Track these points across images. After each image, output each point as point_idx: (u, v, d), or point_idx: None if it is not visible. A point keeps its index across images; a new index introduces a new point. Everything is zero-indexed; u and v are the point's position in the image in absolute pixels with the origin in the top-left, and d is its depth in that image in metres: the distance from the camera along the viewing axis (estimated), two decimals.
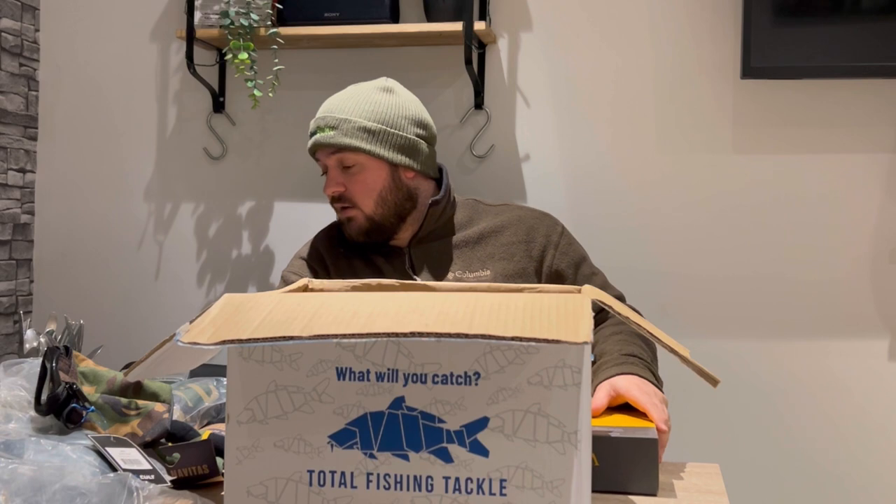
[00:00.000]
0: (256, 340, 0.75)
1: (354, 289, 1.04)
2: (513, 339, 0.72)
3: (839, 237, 1.99)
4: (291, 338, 0.74)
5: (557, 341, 0.72)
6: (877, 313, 1.97)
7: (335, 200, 1.64)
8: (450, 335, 0.72)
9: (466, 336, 0.72)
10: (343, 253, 1.67)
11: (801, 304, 2.00)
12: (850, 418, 1.98)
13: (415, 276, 1.61)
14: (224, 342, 0.76)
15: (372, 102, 1.61)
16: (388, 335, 0.73)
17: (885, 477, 1.96)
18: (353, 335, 0.74)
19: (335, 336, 0.74)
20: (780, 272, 2.01)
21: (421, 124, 1.65)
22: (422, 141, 1.64)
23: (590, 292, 0.91)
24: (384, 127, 1.60)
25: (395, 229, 1.64)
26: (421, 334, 0.73)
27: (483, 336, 0.72)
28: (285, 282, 1.66)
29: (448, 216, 1.67)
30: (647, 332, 0.93)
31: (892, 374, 1.96)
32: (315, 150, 1.64)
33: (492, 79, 2.16)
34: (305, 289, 1.07)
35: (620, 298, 1.65)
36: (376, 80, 1.69)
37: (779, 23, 1.91)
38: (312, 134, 1.64)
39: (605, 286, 1.64)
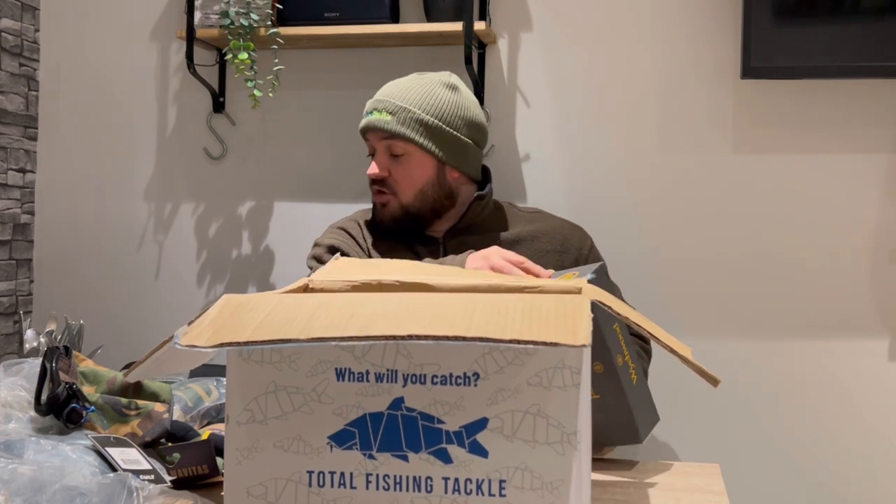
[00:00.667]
0: (254, 343, 0.75)
1: (355, 288, 1.04)
2: (511, 341, 0.72)
3: (839, 237, 1.99)
4: (289, 340, 0.74)
5: (556, 344, 0.71)
6: (877, 313, 1.97)
7: (374, 182, 1.64)
8: (447, 338, 0.72)
9: (464, 339, 0.72)
10: (380, 235, 1.67)
11: (800, 304, 2.00)
12: (850, 418, 1.98)
13: None
14: (222, 345, 0.76)
15: (434, 97, 1.61)
16: (386, 338, 0.73)
17: (885, 477, 1.96)
18: (350, 338, 0.74)
19: (333, 339, 0.74)
20: (780, 272, 2.01)
21: (476, 127, 1.66)
22: (473, 143, 1.65)
23: (590, 293, 0.91)
24: (440, 124, 1.60)
25: (428, 223, 1.65)
26: (419, 337, 0.73)
27: (481, 339, 0.72)
28: (319, 246, 1.65)
29: (489, 213, 1.68)
30: (648, 332, 0.93)
31: (892, 374, 1.96)
32: (366, 131, 1.64)
33: (492, 79, 2.16)
34: (306, 289, 1.07)
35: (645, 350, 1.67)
36: (440, 73, 1.69)
37: (779, 23, 1.91)
38: (368, 113, 1.63)
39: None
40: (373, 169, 1.62)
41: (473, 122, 1.65)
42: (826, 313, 1.99)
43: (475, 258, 1.38)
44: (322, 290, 1.07)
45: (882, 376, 1.96)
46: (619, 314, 0.90)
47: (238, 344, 0.75)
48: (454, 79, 1.68)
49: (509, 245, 1.64)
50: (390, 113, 1.59)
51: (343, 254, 1.62)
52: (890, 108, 1.96)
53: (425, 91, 1.62)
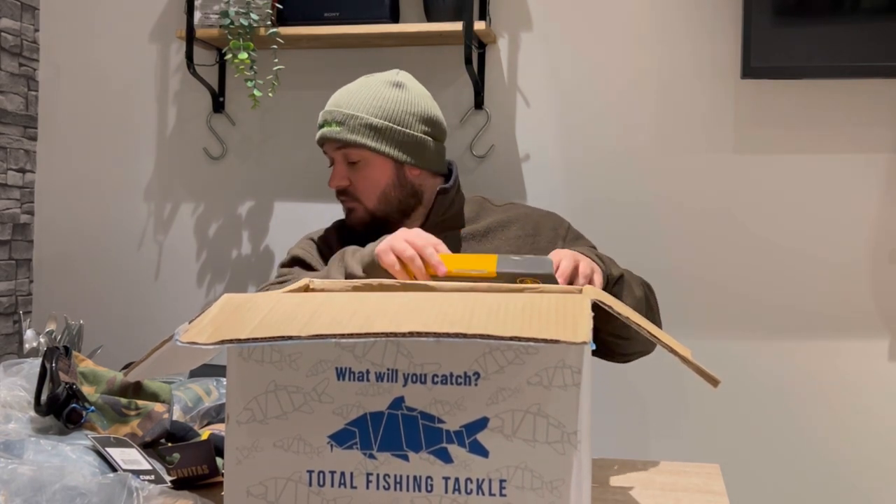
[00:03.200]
0: (255, 340, 0.75)
1: (355, 289, 1.04)
2: (511, 338, 0.72)
3: (839, 237, 1.99)
4: (290, 337, 0.74)
5: (556, 341, 0.71)
6: (877, 313, 1.97)
7: (339, 193, 1.65)
8: (448, 335, 0.72)
9: (465, 336, 0.72)
10: (352, 240, 1.67)
11: (800, 304, 2.00)
12: (850, 418, 1.98)
13: None
14: (223, 342, 0.76)
15: (380, 98, 1.61)
16: (387, 335, 0.73)
17: (884, 477, 1.96)
18: (351, 335, 0.74)
19: (333, 336, 0.74)
20: (780, 272, 2.01)
21: (429, 121, 1.65)
22: (429, 138, 1.64)
23: (591, 292, 0.91)
24: (390, 124, 1.60)
25: (397, 224, 1.64)
26: (419, 334, 0.73)
27: (481, 336, 0.72)
28: (291, 257, 1.66)
29: (457, 209, 1.68)
30: (648, 332, 0.93)
31: (892, 373, 1.96)
32: (322, 143, 1.65)
33: (492, 79, 2.16)
34: (306, 289, 1.07)
35: (646, 286, 1.63)
36: (388, 72, 1.68)
37: (779, 23, 1.91)
38: (321, 126, 1.64)
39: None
40: (333, 180, 1.64)
41: (426, 117, 1.64)
42: (826, 313, 1.99)
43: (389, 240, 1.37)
44: (323, 290, 1.07)
45: (882, 376, 1.96)
46: (619, 314, 0.90)
47: (239, 341, 0.75)
48: (402, 76, 1.67)
49: (480, 237, 1.64)
50: (339, 123, 1.60)
51: (305, 265, 1.62)
52: (890, 108, 1.96)
53: (370, 94, 1.62)
